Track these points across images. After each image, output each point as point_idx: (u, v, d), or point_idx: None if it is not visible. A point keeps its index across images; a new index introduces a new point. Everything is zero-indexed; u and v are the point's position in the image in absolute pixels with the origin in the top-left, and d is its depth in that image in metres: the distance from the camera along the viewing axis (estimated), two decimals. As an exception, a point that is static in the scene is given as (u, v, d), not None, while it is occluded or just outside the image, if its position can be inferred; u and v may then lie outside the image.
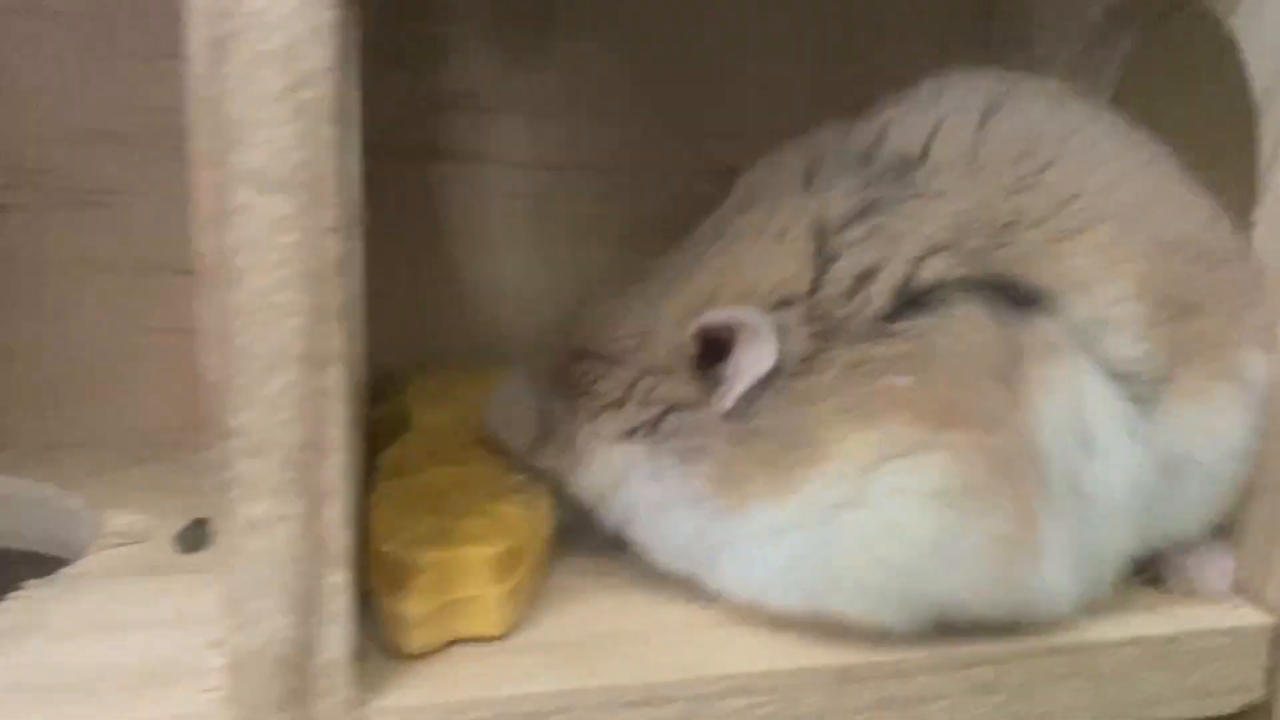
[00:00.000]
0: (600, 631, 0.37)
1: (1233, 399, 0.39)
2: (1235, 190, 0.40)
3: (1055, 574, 0.36)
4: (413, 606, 0.35)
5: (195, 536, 0.41)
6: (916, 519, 0.35)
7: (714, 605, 0.38)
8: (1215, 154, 0.40)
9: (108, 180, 0.49)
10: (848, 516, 0.35)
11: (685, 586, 0.39)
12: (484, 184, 0.52)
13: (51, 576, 0.39)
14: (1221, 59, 0.41)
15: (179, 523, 0.42)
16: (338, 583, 0.32)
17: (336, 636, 0.32)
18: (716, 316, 0.36)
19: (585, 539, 0.40)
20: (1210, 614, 0.40)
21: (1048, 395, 0.36)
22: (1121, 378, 0.37)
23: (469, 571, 0.35)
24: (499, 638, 0.36)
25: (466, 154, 0.52)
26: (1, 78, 0.47)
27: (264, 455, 0.30)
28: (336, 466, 0.31)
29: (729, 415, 0.37)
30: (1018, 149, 0.38)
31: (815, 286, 0.36)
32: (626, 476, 0.38)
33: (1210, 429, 0.38)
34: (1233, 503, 0.40)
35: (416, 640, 0.35)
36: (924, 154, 0.38)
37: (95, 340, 0.50)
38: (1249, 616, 0.40)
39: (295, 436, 0.30)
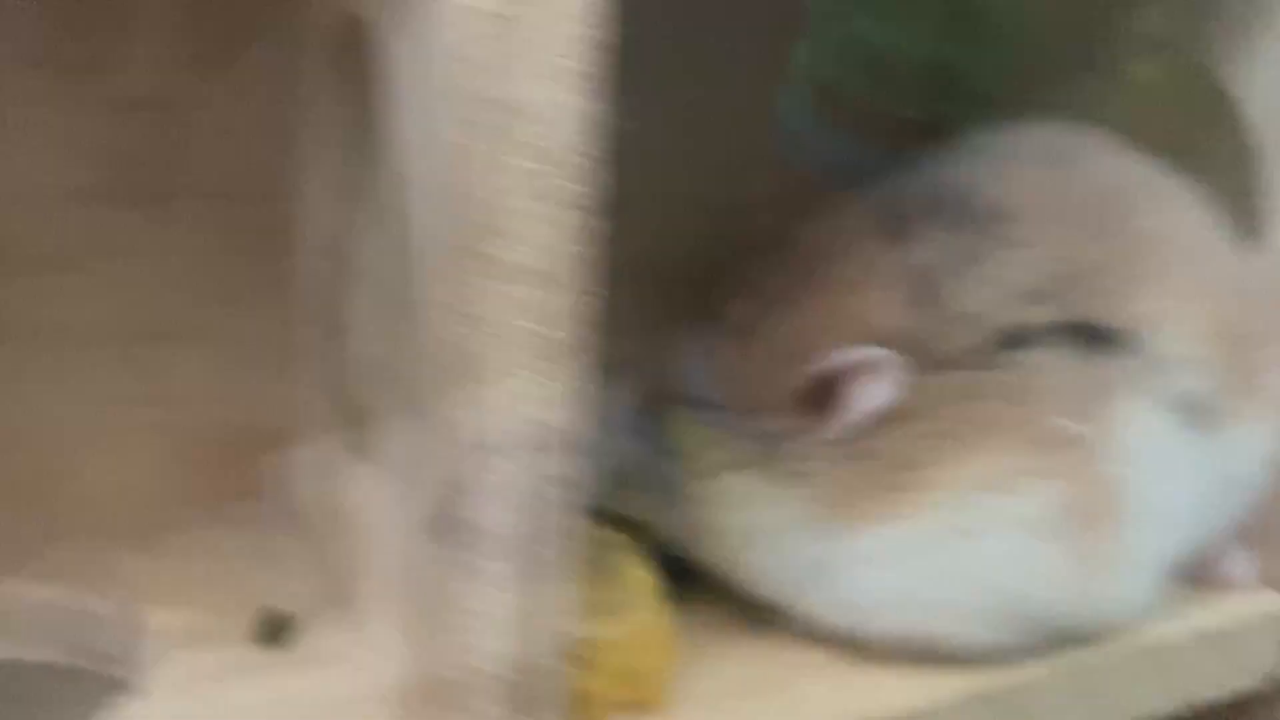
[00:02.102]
0: (747, 683, 0.38)
1: (1277, 419, 0.43)
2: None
3: (1127, 587, 0.40)
4: (590, 682, 0.34)
5: (277, 630, 0.39)
6: (1025, 546, 0.37)
7: (824, 640, 0.39)
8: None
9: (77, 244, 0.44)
10: (958, 545, 0.37)
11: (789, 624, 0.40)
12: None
13: (132, 692, 0.36)
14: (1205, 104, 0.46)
15: (228, 614, 0.39)
16: (560, 671, 0.31)
17: (555, 726, 0.31)
18: (845, 357, 0.38)
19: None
20: (1244, 602, 0.45)
21: (1124, 426, 0.39)
22: (1186, 407, 0.40)
23: (637, 641, 0.35)
24: (662, 703, 0.36)
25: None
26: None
27: (496, 547, 0.29)
28: (564, 553, 0.30)
29: (835, 440, 0.38)
30: (1089, 200, 0.41)
31: (917, 330, 0.38)
32: (727, 504, 0.39)
33: (1257, 449, 0.43)
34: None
35: (592, 716, 0.34)
36: (1008, 207, 0.40)
37: (67, 417, 0.45)
38: (1273, 601, 0.45)
39: (527, 526, 0.29)
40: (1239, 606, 0.44)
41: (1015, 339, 0.39)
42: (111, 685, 0.38)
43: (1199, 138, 0.46)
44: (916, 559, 0.38)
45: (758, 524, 0.39)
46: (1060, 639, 0.39)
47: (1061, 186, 0.41)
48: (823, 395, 0.38)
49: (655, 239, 0.54)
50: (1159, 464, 0.40)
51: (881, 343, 0.38)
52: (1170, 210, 0.42)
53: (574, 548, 0.30)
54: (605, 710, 0.35)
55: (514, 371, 0.28)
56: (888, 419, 0.38)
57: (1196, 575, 0.45)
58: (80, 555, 0.42)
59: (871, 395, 0.37)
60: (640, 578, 0.38)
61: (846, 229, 0.41)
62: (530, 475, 0.29)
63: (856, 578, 0.38)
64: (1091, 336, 0.39)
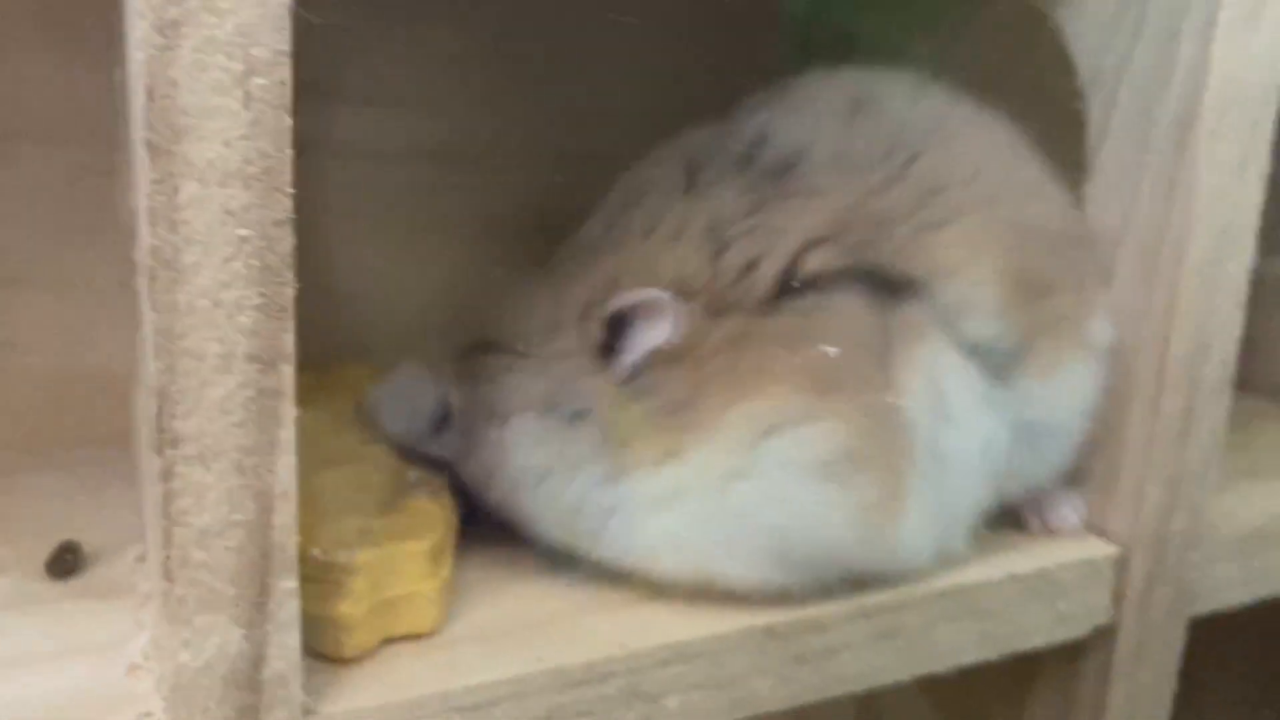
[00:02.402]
0: (526, 617, 0.37)
1: (1082, 367, 0.43)
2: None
3: (915, 533, 0.39)
4: (348, 609, 0.34)
5: (67, 561, 0.39)
6: (804, 489, 0.37)
7: (614, 581, 0.39)
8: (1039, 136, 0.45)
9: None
10: (738, 487, 0.37)
11: (581, 566, 0.39)
12: (330, 176, 0.51)
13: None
14: (1044, 46, 0.45)
15: (34, 549, 0.39)
16: (289, 589, 0.30)
17: (288, 646, 0.31)
18: (626, 298, 0.38)
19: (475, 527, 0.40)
20: (1067, 548, 0.44)
21: (913, 373, 0.38)
22: (980, 354, 0.40)
23: (402, 569, 0.35)
24: (432, 633, 0.36)
25: (309, 144, 0.50)
26: None
27: (213, 461, 0.29)
28: (286, 469, 0.30)
29: (618, 383, 0.38)
30: (885, 145, 0.41)
31: (707, 277, 0.38)
32: (516, 445, 0.39)
33: (1062, 396, 0.42)
34: (1078, 452, 0.44)
35: (353, 643, 0.34)
36: (802, 154, 0.40)
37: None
38: (1098, 548, 0.45)
39: (245, 440, 0.29)
40: (1063, 554, 0.44)
41: (802, 285, 0.38)
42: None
43: (1036, 81, 0.46)
44: (696, 501, 0.37)
45: (544, 467, 0.38)
46: (852, 583, 0.39)
47: (854, 133, 0.41)
48: (611, 340, 0.38)
49: (524, 192, 0.54)
50: (951, 410, 0.39)
51: (675, 289, 0.38)
52: (969, 154, 0.42)
53: (292, 466, 0.30)
54: (373, 640, 0.35)
55: (219, 277, 0.28)
56: (670, 362, 0.37)
57: (1024, 522, 0.45)
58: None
59: (650, 335, 0.37)
60: (428, 511, 0.38)
61: (651, 177, 0.41)
62: (238, 386, 0.28)
63: (638, 520, 0.38)
64: (880, 283, 0.39)
